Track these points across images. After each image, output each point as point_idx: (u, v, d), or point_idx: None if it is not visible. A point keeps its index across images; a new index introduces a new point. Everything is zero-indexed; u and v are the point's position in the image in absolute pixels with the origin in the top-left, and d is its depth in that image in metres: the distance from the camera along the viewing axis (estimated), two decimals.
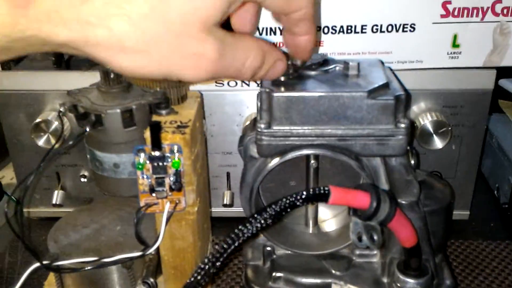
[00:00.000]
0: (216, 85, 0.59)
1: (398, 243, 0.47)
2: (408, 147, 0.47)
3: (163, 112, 0.47)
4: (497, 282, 0.57)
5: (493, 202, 0.69)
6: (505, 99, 0.77)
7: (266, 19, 0.54)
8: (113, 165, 0.47)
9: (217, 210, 0.65)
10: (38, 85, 0.59)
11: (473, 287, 0.56)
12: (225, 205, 0.64)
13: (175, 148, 0.44)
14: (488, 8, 0.55)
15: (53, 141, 0.59)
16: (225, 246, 0.38)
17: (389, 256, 0.49)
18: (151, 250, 0.46)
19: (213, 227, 0.62)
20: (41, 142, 0.59)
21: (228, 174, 0.64)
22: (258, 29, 0.55)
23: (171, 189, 0.45)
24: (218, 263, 0.38)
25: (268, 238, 0.51)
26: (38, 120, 0.59)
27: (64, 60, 0.63)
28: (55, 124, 0.58)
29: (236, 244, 0.38)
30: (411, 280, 0.46)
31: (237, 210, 0.64)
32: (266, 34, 0.55)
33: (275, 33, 0.55)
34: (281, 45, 0.55)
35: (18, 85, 0.59)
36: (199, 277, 0.38)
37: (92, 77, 0.56)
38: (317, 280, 0.51)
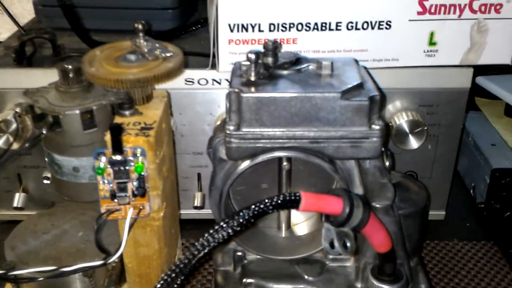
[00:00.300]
0: (186, 83, 0.56)
1: (372, 248, 0.46)
2: (383, 149, 0.45)
3: (126, 113, 0.44)
4: (473, 284, 0.56)
5: (469, 201, 0.68)
6: (482, 97, 0.77)
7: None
8: (73, 169, 0.44)
9: (187, 212, 0.63)
10: None
11: None
12: (195, 207, 0.62)
13: (138, 151, 0.42)
14: (465, 5, 0.53)
15: (12, 141, 0.56)
16: (192, 254, 0.36)
17: (363, 261, 0.48)
18: (113, 258, 0.43)
19: (183, 229, 0.60)
20: (0, 142, 0.56)
21: (199, 175, 0.62)
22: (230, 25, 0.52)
23: (134, 195, 0.42)
24: (185, 271, 0.36)
25: (238, 243, 0.49)
26: None
27: (25, 57, 0.60)
28: (15, 124, 0.55)
29: (204, 252, 0.36)
30: (385, 286, 0.45)
31: (208, 212, 0.61)
32: (238, 31, 0.53)
33: (247, 30, 0.53)
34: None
35: None
36: (164, 286, 0.36)
37: (55, 75, 0.53)
38: (289, 286, 0.49)
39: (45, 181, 0.60)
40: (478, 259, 0.59)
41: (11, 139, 0.56)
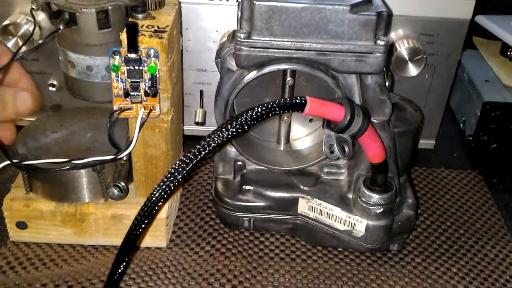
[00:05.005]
0: None
1: (366, 161, 0.49)
2: (384, 69, 0.47)
3: (140, 16, 0.45)
4: (456, 207, 0.59)
5: (458, 135, 0.71)
6: (479, 36, 0.78)
7: None
8: (86, 67, 0.45)
9: (189, 128, 0.65)
10: None
11: (432, 210, 0.59)
12: (197, 123, 0.64)
13: (152, 52, 0.43)
14: None
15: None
16: (205, 145, 0.38)
17: (356, 173, 0.50)
18: (124, 154, 0.46)
19: (184, 144, 0.62)
20: (9, 45, 0.57)
21: (201, 92, 0.63)
22: None
23: (146, 94, 0.44)
24: (195, 162, 0.38)
25: (240, 153, 0.52)
26: (6, 22, 0.56)
27: None
28: (25, 27, 0.56)
29: (215, 144, 0.38)
30: (375, 195, 0.48)
31: (209, 129, 0.64)
32: None
33: None
34: None
35: None
36: (169, 181, 0.38)
37: None
38: (285, 194, 0.52)
39: (51, 88, 0.61)
40: (463, 185, 0.63)
41: (20, 42, 0.57)
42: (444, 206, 0.59)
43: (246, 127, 0.39)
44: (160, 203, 0.38)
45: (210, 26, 0.59)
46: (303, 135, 0.55)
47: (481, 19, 0.74)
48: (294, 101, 0.40)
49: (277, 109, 0.39)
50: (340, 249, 0.52)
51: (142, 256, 0.49)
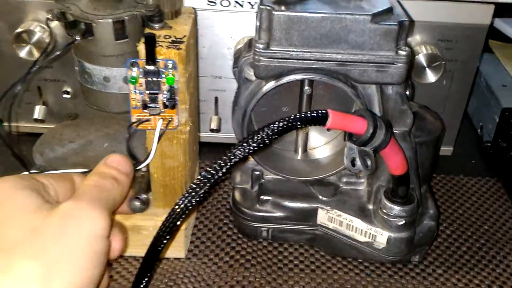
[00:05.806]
0: (208, 4, 0.56)
1: (387, 172, 0.48)
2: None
3: (156, 26, 0.45)
4: (476, 216, 0.58)
5: (475, 140, 0.70)
6: (496, 40, 0.77)
7: None
8: (103, 78, 0.45)
9: (204, 135, 0.64)
10: None
11: (452, 219, 0.58)
12: (212, 130, 0.63)
13: (170, 64, 0.42)
14: None
15: (35, 52, 0.56)
16: (225, 160, 0.37)
17: (377, 184, 0.50)
18: (142, 165, 0.45)
19: (200, 152, 0.61)
20: (23, 53, 0.57)
21: (216, 99, 0.63)
22: None
23: (165, 106, 0.43)
24: (217, 177, 0.37)
25: (258, 162, 0.51)
26: (19, 29, 0.56)
27: None
28: (38, 35, 0.56)
29: (237, 159, 0.37)
30: (397, 207, 0.47)
31: (224, 136, 0.64)
32: None
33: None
34: None
35: None
36: (190, 197, 0.37)
37: None
38: (304, 205, 0.51)
39: (65, 95, 0.61)
40: (482, 193, 0.62)
41: (33, 50, 0.56)
42: (464, 215, 0.58)
43: (267, 141, 0.38)
44: (181, 219, 0.38)
45: (224, 32, 0.58)
46: (321, 144, 0.55)
47: (499, 23, 0.72)
48: (315, 114, 0.39)
49: (298, 123, 0.39)
50: (360, 260, 0.51)
51: (161, 268, 0.49)
